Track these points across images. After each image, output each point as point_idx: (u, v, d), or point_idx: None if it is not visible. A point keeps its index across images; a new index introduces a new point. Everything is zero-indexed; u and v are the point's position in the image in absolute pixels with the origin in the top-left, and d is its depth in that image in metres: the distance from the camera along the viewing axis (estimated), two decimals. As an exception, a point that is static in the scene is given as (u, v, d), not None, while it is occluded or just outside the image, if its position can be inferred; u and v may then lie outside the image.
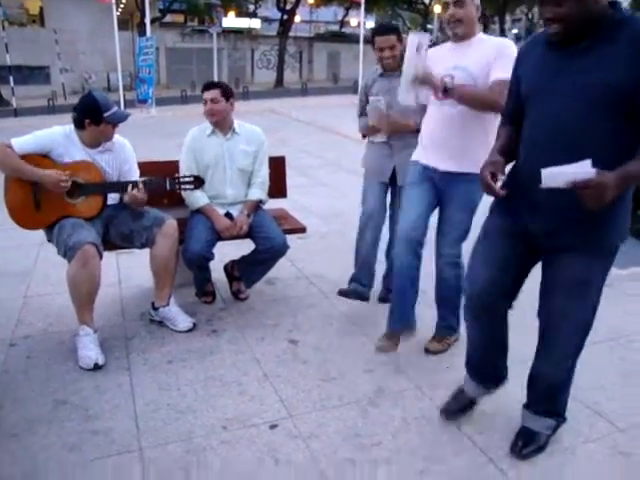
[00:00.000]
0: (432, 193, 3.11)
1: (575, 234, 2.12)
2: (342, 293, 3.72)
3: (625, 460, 2.44)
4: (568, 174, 1.85)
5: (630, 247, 4.94)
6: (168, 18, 34.69)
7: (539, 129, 2.11)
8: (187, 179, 3.41)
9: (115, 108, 3.27)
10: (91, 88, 25.21)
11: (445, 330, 3.31)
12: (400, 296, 3.19)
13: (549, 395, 2.49)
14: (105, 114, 3.21)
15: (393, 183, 3.63)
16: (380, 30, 3.51)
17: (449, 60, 2.96)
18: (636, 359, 3.25)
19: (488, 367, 2.68)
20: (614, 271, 4.41)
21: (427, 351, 3.28)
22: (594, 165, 1.82)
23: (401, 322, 3.20)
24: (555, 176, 1.89)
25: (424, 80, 2.79)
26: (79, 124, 3.26)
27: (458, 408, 2.70)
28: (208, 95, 3.62)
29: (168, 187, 3.36)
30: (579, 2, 1.87)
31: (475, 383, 2.69)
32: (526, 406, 2.55)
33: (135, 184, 3.28)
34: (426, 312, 3.54)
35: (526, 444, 2.46)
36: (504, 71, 2.65)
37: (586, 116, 1.95)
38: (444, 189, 3.07)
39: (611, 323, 3.65)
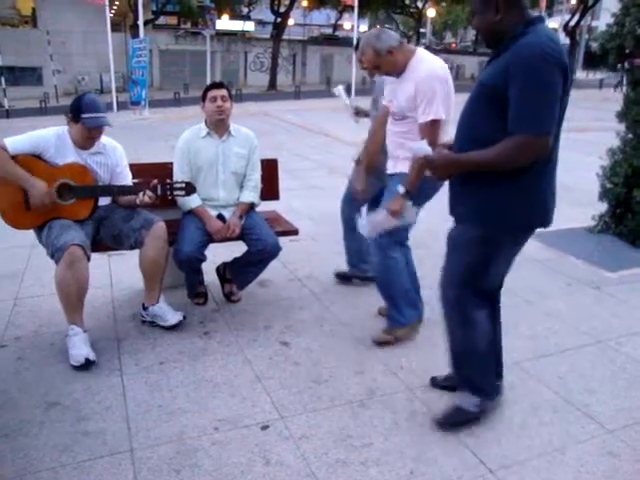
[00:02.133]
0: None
1: (453, 207, 2.50)
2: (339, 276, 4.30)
3: (613, 460, 2.46)
4: (416, 149, 2.51)
5: (619, 251, 5.02)
6: (161, 20, 34.65)
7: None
8: (179, 185, 3.40)
9: (96, 114, 3.23)
10: (84, 90, 25.18)
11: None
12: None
13: (455, 367, 2.70)
14: (83, 115, 3.21)
15: None
16: (355, 46, 3.82)
17: (392, 88, 3.29)
18: (625, 361, 3.28)
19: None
20: (604, 274, 4.48)
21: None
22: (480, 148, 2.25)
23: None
24: (414, 150, 2.54)
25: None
26: (67, 118, 3.31)
27: (447, 384, 2.91)
28: (219, 92, 3.64)
29: (159, 193, 3.36)
30: (481, 18, 2.31)
31: None
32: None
33: (143, 190, 3.30)
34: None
35: (447, 417, 2.65)
36: (425, 113, 3.04)
37: (469, 111, 2.37)
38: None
39: (600, 325, 3.68)
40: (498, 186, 2.30)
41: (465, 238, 2.44)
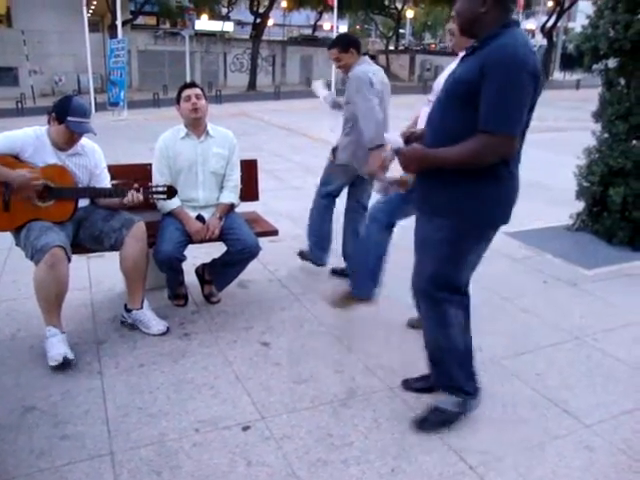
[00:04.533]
0: None
1: (421, 200, 2.53)
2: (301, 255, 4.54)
3: (590, 454, 2.50)
4: (389, 140, 2.55)
5: (596, 249, 5.10)
6: (140, 20, 34.36)
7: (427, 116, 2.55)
8: (160, 189, 3.39)
9: (82, 119, 3.22)
10: (61, 91, 24.88)
11: None
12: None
13: (434, 367, 2.69)
14: (68, 117, 3.18)
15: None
16: (329, 45, 4.08)
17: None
18: (601, 357, 3.33)
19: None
20: (581, 271, 4.54)
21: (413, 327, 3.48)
22: (451, 143, 2.28)
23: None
24: (387, 140, 2.60)
25: None
26: (49, 116, 3.26)
27: (419, 387, 2.93)
28: (192, 91, 3.65)
29: (141, 196, 3.33)
30: (465, 3, 2.32)
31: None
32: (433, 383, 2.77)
33: (125, 192, 3.28)
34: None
35: (427, 418, 2.66)
36: None
37: (441, 107, 2.40)
38: None
39: (577, 322, 3.74)
40: (469, 181, 2.32)
41: (438, 234, 2.44)
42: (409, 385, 2.95)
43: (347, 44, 3.94)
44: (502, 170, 2.32)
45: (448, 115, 2.35)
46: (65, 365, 3.04)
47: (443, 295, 2.52)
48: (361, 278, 3.46)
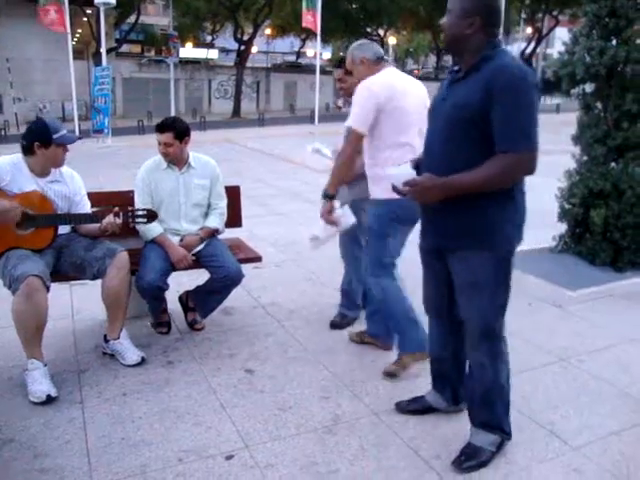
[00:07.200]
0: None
1: (452, 238, 2.41)
2: (334, 325, 3.96)
3: (579, 477, 2.48)
4: (398, 175, 2.37)
5: (579, 270, 5.11)
6: (125, 48, 34.59)
7: (424, 147, 2.51)
8: (140, 212, 3.37)
9: (64, 131, 3.25)
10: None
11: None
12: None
13: (481, 404, 2.56)
14: (54, 136, 3.18)
15: None
16: (335, 65, 3.91)
17: None
18: (587, 378, 3.33)
19: (445, 377, 2.84)
20: (564, 293, 4.55)
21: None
22: (450, 173, 2.25)
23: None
24: (393, 177, 2.40)
25: None
26: (28, 150, 3.23)
27: (413, 408, 2.92)
28: (161, 138, 3.60)
29: (119, 221, 3.31)
30: (453, 21, 2.33)
31: (434, 391, 2.90)
32: (470, 421, 2.63)
33: (105, 217, 3.24)
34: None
35: (468, 458, 2.52)
36: (348, 119, 3.08)
37: (445, 134, 2.35)
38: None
39: (562, 344, 3.74)
40: (494, 205, 2.32)
41: (485, 268, 2.37)
42: (402, 408, 2.93)
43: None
44: (517, 189, 2.36)
45: (452, 142, 2.32)
46: (47, 402, 2.98)
47: (501, 327, 2.49)
48: (404, 332, 3.26)
